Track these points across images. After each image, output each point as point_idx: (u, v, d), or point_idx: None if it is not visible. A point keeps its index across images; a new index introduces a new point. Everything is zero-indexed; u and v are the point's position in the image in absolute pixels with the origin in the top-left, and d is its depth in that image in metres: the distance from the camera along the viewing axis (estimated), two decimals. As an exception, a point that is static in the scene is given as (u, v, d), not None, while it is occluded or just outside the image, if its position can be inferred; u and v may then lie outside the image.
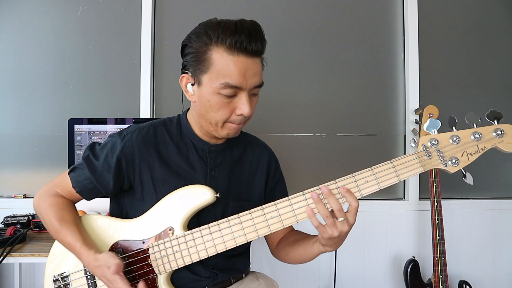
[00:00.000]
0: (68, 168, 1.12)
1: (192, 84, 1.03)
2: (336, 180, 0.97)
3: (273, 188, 1.24)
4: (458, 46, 2.24)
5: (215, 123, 1.04)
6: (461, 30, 2.24)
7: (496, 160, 2.23)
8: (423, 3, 2.18)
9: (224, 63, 0.96)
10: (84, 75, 2.12)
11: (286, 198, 0.99)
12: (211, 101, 1.00)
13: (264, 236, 1.23)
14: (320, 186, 0.96)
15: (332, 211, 0.94)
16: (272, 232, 0.99)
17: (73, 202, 1.13)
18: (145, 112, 2.09)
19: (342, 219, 0.93)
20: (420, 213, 2.16)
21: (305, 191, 0.98)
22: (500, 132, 0.96)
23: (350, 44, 2.21)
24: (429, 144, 0.98)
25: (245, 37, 0.95)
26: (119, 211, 1.15)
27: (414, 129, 2.07)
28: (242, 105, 0.99)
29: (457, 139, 0.97)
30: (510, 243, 2.20)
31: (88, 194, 1.11)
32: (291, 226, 1.20)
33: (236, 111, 1.00)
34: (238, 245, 1.00)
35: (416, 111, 2.07)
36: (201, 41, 0.98)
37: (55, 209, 1.06)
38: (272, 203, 0.99)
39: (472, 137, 0.97)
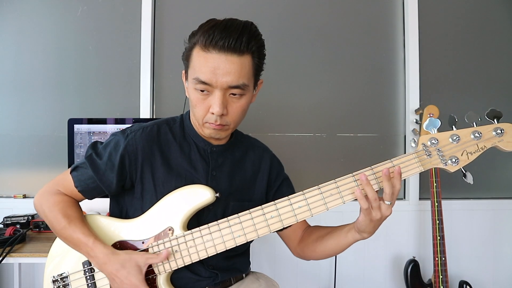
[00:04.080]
0: (69, 167, 1.12)
1: (187, 80, 1.08)
2: (336, 179, 0.97)
3: (279, 188, 1.24)
4: (458, 46, 2.24)
5: (197, 120, 1.07)
6: (461, 30, 2.24)
7: (496, 160, 2.23)
8: (423, 3, 2.18)
9: (197, 59, 0.99)
10: (84, 75, 2.12)
11: (285, 198, 0.99)
12: (191, 96, 1.04)
13: (282, 238, 1.24)
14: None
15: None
16: (272, 232, 0.99)
17: (77, 201, 1.13)
18: (145, 112, 2.09)
19: (389, 202, 0.94)
20: (420, 213, 2.16)
21: (305, 191, 0.98)
22: (500, 131, 0.96)
23: (350, 44, 2.21)
24: (429, 143, 0.98)
25: (218, 33, 0.95)
26: (119, 210, 1.15)
27: (414, 129, 2.06)
28: (213, 104, 0.99)
29: (457, 138, 0.97)
30: (510, 243, 2.20)
31: (91, 193, 1.10)
32: (306, 223, 1.21)
33: (210, 109, 1.01)
34: (238, 245, 1.00)
35: (416, 111, 2.07)
36: (190, 41, 1.02)
37: (61, 207, 1.06)
38: (272, 202, 0.99)
39: (472, 136, 0.97)
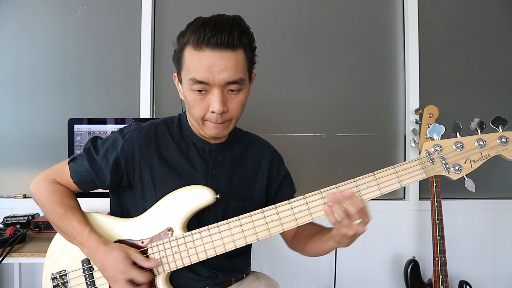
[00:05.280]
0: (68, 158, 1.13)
1: (180, 83, 1.06)
2: (337, 184, 0.97)
3: (280, 187, 1.24)
4: (458, 46, 2.23)
5: (195, 120, 1.06)
6: (461, 30, 2.24)
7: (496, 160, 2.22)
8: (423, 3, 2.18)
9: (191, 59, 0.97)
10: (84, 75, 2.12)
11: (286, 201, 0.99)
12: (187, 98, 1.02)
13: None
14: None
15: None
16: (272, 235, 0.99)
17: (72, 191, 1.13)
18: (145, 112, 2.08)
19: (359, 221, 0.93)
20: (420, 213, 2.16)
21: (306, 195, 0.98)
22: (504, 140, 0.95)
23: (350, 44, 2.21)
24: (432, 150, 0.97)
25: (209, 30, 0.94)
26: (120, 208, 1.15)
27: (414, 129, 2.06)
28: (213, 102, 0.98)
29: (461, 146, 0.96)
30: (510, 243, 2.20)
31: (85, 185, 1.11)
32: None
33: (209, 108, 1.00)
34: (237, 247, 1.00)
35: (416, 111, 2.07)
36: (180, 42, 1.01)
37: (58, 196, 1.07)
38: (273, 206, 0.99)
39: (476, 144, 0.96)
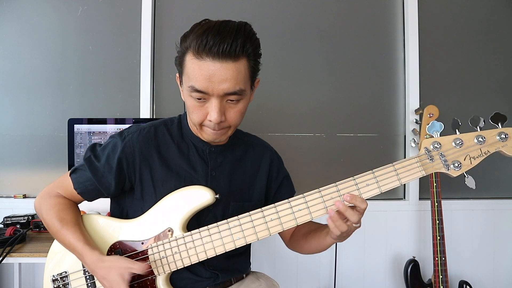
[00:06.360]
0: (68, 168, 1.13)
1: (181, 85, 1.06)
2: (337, 183, 0.97)
3: (279, 188, 1.24)
4: (458, 46, 2.23)
5: (193, 124, 1.06)
6: (461, 30, 2.24)
7: (496, 160, 2.22)
8: (423, 3, 2.18)
9: (191, 67, 0.95)
10: (84, 75, 2.12)
11: (286, 200, 0.99)
12: (187, 102, 1.02)
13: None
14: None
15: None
16: (271, 234, 0.99)
17: (75, 203, 1.13)
18: (145, 112, 2.08)
19: (357, 224, 0.95)
20: (420, 213, 2.16)
21: (305, 194, 0.98)
22: (504, 136, 0.94)
23: (350, 44, 2.21)
24: (431, 147, 0.96)
25: (212, 38, 0.91)
26: (119, 211, 1.15)
27: (414, 129, 2.06)
28: (211, 111, 0.98)
29: (460, 143, 0.95)
30: (510, 243, 2.20)
31: (90, 195, 1.11)
32: None
33: (207, 116, 1.00)
34: (237, 247, 1.00)
35: (416, 111, 2.07)
36: (182, 44, 0.99)
37: (56, 210, 1.07)
38: (272, 205, 0.99)
39: (476, 141, 0.95)
